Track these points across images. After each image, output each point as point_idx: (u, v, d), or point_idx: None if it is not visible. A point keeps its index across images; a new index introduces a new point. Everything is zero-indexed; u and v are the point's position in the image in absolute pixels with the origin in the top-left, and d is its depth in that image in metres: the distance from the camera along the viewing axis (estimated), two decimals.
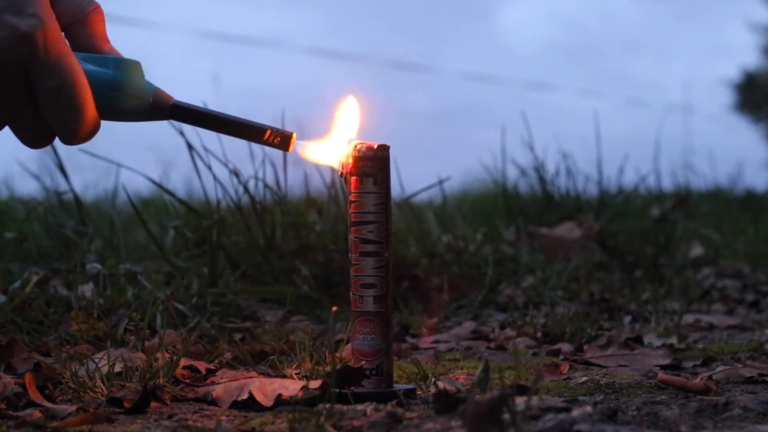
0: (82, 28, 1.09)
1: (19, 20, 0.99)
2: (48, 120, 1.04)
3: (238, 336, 1.74)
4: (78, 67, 1.03)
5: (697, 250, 3.54)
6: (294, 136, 1.16)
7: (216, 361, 1.46)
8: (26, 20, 0.99)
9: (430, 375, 1.35)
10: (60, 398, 1.21)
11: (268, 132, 1.14)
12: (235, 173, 2.30)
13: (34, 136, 1.06)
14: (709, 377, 1.36)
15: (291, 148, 1.17)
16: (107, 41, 1.10)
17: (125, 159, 2.38)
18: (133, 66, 1.09)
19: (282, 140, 1.15)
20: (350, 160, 1.21)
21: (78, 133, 1.05)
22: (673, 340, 1.82)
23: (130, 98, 1.08)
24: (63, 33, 1.05)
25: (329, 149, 1.22)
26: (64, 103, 1.02)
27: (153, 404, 1.19)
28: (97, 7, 1.10)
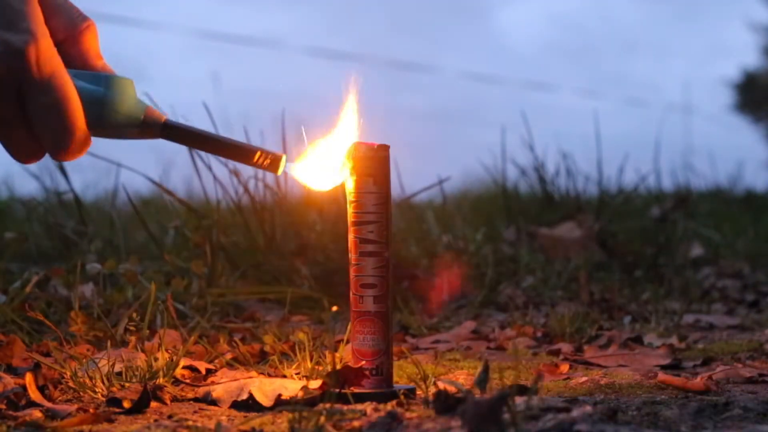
0: (75, 45, 1.09)
1: (11, 36, 0.98)
2: (39, 136, 1.04)
3: (238, 336, 1.74)
4: (70, 84, 1.02)
5: (697, 250, 3.54)
6: (284, 158, 1.16)
7: (216, 361, 1.46)
8: (19, 36, 0.98)
9: (430, 375, 1.35)
10: (60, 398, 1.22)
11: (258, 153, 1.14)
12: (235, 173, 2.30)
13: (25, 151, 1.06)
14: (709, 377, 1.36)
15: (280, 171, 1.16)
16: (100, 58, 1.10)
17: (125, 159, 2.38)
18: (126, 84, 1.09)
19: (271, 162, 1.15)
20: (350, 161, 1.20)
21: (68, 150, 1.04)
22: (673, 340, 1.82)
23: (122, 116, 1.08)
24: (56, 49, 1.05)
25: (318, 172, 1.21)
26: (55, 120, 1.02)
27: (153, 404, 1.19)
28: (91, 24, 1.10)
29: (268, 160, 1.14)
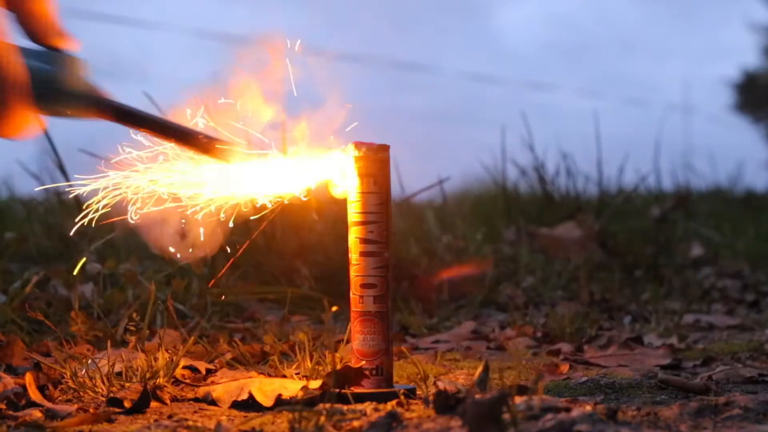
0: (30, 18, 1.06)
1: None
2: None
3: (238, 336, 1.74)
4: (14, 62, 1.00)
5: (697, 250, 3.54)
6: (233, 148, 1.14)
7: (216, 361, 1.46)
8: None
9: (430, 375, 1.35)
10: (60, 398, 1.22)
11: (207, 141, 1.13)
12: None
13: None
14: (709, 377, 1.36)
15: (224, 160, 1.14)
16: (58, 29, 1.07)
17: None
18: (76, 64, 1.07)
19: (218, 150, 1.13)
20: (351, 161, 1.21)
21: (10, 130, 1.02)
22: (673, 340, 1.82)
23: (69, 96, 1.07)
24: (9, 22, 1.03)
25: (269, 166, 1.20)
26: None
27: (153, 404, 1.19)
28: None
29: (214, 148, 1.13)
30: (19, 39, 1.06)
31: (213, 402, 1.22)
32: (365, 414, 1.10)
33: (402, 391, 1.21)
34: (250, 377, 1.27)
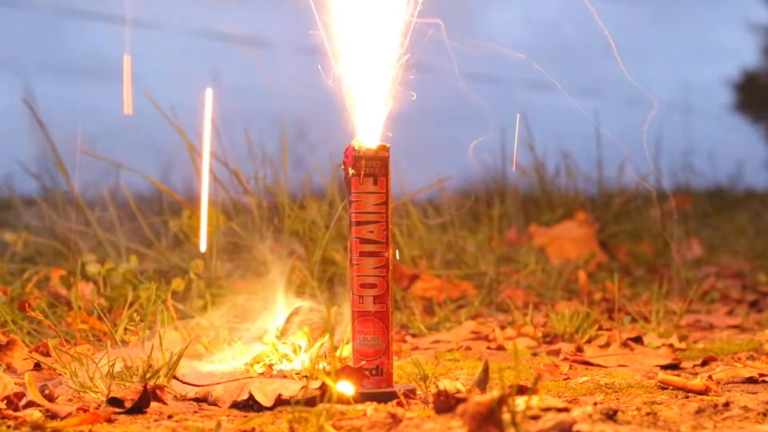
0: None
1: None
2: None
3: (237, 336, 1.74)
4: None
5: (697, 250, 3.54)
6: None
7: (215, 360, 1.46)
8: None
9: (430, 375, 1.35)
10: (60, 398, 1.22)
11: None
12: (235, 173, 2.29)
13: None
14: (709, 377, 1.36)
15: None
16: None
17: (125, 159, 2.38)
18: None
19: None
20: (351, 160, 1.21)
21: None
22: (673, 340, 1.82)
23: None
24: None
25: None
26: None
27: (153, 404, 1.19)
28: None
29: None
30: None
31: (213, 402, 1.22)
32: (365, 414, 1.10)
33: (402, 391, 1.21)
34: (250, 377, 1.27)
